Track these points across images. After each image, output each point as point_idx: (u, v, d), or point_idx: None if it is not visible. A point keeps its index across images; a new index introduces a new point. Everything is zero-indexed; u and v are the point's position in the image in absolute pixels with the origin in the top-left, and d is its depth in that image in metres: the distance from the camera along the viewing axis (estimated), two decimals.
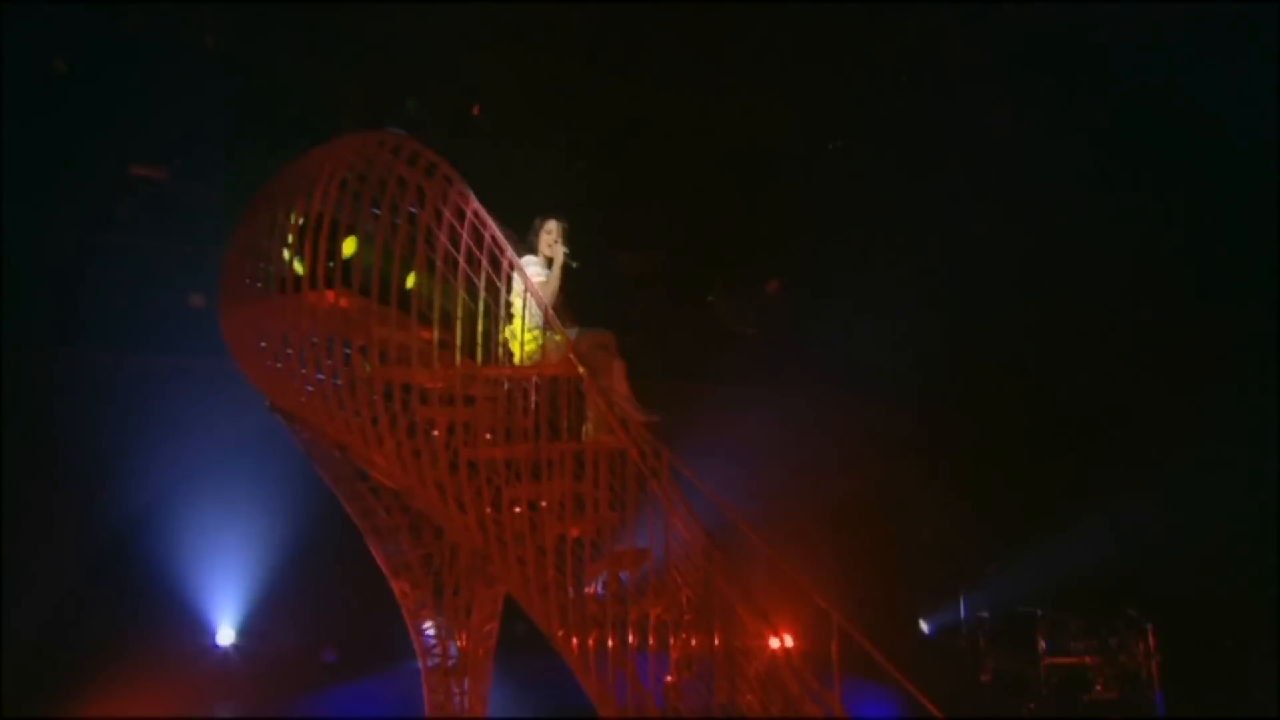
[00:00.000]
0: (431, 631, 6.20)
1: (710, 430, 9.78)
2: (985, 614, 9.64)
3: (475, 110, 9.84)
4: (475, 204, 4.90)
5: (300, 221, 5.15)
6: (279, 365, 5.31)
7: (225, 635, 9.17)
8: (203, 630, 9.09)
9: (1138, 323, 9.06)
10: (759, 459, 10.23)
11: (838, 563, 10.53)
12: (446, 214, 4.78)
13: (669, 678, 4.75)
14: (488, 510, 4.79)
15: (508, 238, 5.05)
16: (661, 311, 10.92)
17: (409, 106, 9.14)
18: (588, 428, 5.20)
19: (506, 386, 5.07)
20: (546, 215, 5.44)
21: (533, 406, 5.00)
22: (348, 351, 4.95)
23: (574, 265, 5.27)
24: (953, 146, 8.52)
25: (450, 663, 5.62)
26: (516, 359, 5.10)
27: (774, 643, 4.74)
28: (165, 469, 8.66)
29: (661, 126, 9.82)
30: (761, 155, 9.95)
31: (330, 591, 9.09)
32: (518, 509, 4.91)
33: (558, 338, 4.97)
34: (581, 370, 4.81)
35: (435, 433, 4.87)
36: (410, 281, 5.31)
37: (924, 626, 10.42)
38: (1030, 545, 9.58)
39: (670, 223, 10.41)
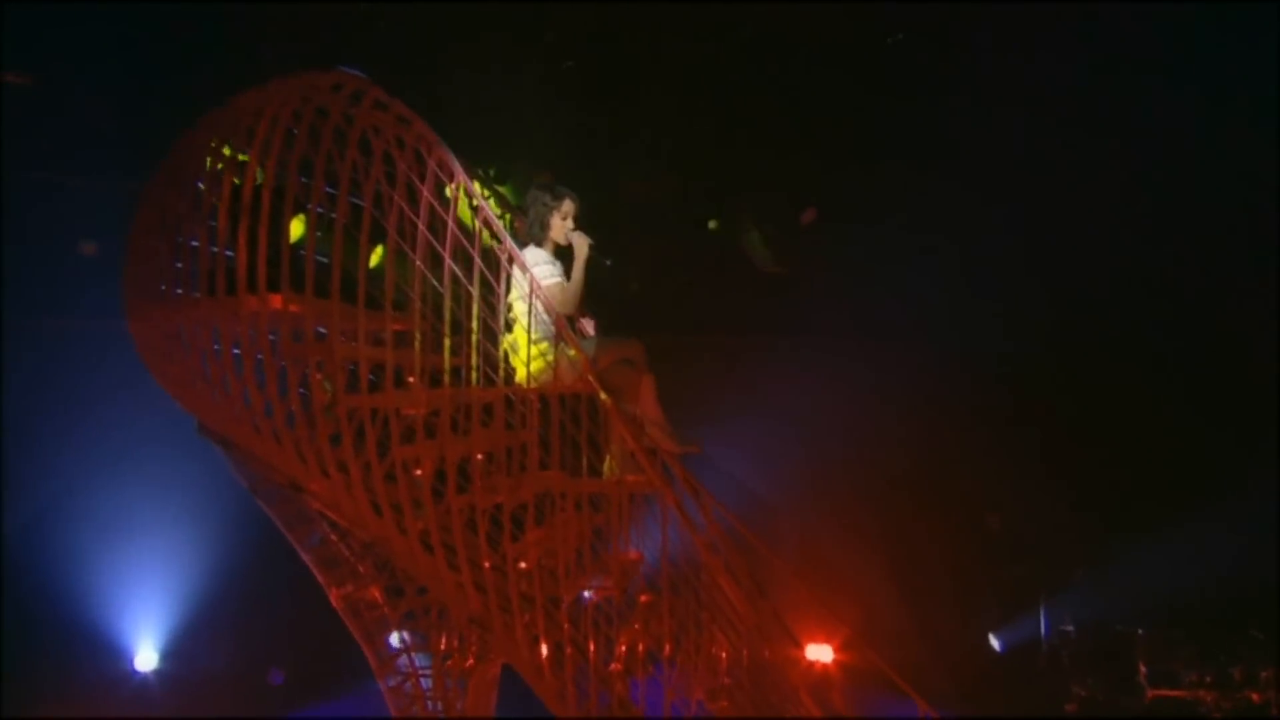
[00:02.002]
0: (395, 643, 6.13)
1: (743, 392, 9.79)
2: (1070, 628, 9.63)
3: None
4: (461, 175, 4.56)
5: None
6: (206, 369, 5.07)
7: (145, 659, 9.20)
8: (117, 654, 9.09)
9: None
10: (801, 426, 10.18)
11: (894, 553, 10.52)
12: (425, 194, 4.43)
13: None
14: (486, 566, 4.63)
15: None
16: (675, 249, 10.66)
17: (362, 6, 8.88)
18: (610, 464, 4.99)
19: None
20: (558, 189, 5.00)
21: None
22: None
23: (608, 264, 4.91)
24: (1064, 60, 8.14)
25: None
26: (520, 377, 4.83)
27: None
28: (69, 460, 8.57)
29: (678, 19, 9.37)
30: (801, 56, 9.54)
31: (272, 602, 9.03)
32: (523, 564, 4.74)
33: (572, 353, 4.69)
34: (603, 395, 4.58)
35: (418, 472, 4.64)
36: (376, 258, 5.06)
37: (993, 642, 10.44)
38: (1133, 546, 9.48)
39: (686, 143, 10.01)
